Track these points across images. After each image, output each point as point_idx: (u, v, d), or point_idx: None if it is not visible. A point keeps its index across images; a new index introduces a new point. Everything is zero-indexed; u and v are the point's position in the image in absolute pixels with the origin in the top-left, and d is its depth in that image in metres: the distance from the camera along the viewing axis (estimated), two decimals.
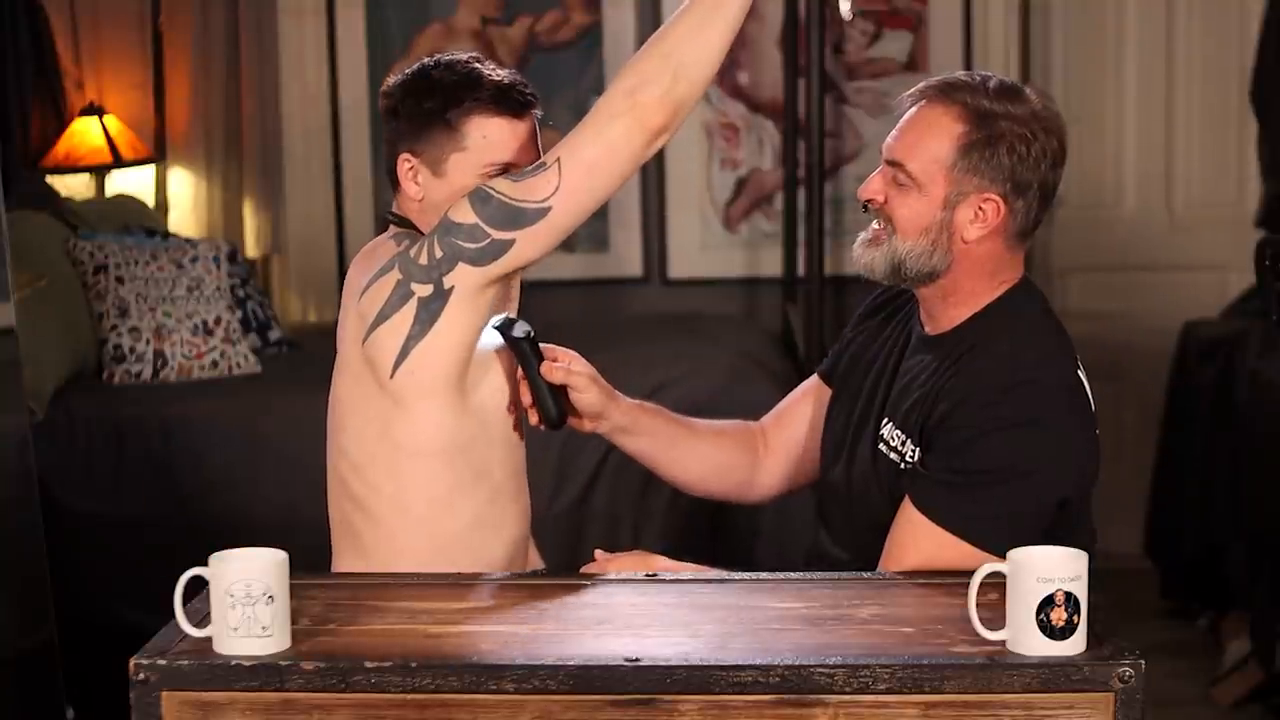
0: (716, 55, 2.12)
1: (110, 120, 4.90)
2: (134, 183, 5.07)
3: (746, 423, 2.58)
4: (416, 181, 2.24)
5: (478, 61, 2.24)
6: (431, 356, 2.16)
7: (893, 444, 2.26)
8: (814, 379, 2.57)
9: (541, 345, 2.30)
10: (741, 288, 5.28)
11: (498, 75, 2.23)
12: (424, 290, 2.14)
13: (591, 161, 2.11)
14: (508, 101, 2.21)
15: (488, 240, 2.12)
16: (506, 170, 2.20)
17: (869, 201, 2.26)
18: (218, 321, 4.33)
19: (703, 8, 2.10)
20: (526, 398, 2.29)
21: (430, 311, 2.14)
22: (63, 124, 4.89)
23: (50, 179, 4.82)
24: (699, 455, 2.51)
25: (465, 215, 2.13)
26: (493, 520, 2.27)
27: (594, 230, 5.23)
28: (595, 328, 4.96)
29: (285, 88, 5.15)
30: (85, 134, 4.86)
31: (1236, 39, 5.10)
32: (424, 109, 2.21)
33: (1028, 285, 2.30)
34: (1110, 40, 5.20)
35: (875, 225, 2.27)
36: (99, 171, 4.94)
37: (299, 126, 5.17)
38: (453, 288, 2.14)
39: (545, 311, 5.34)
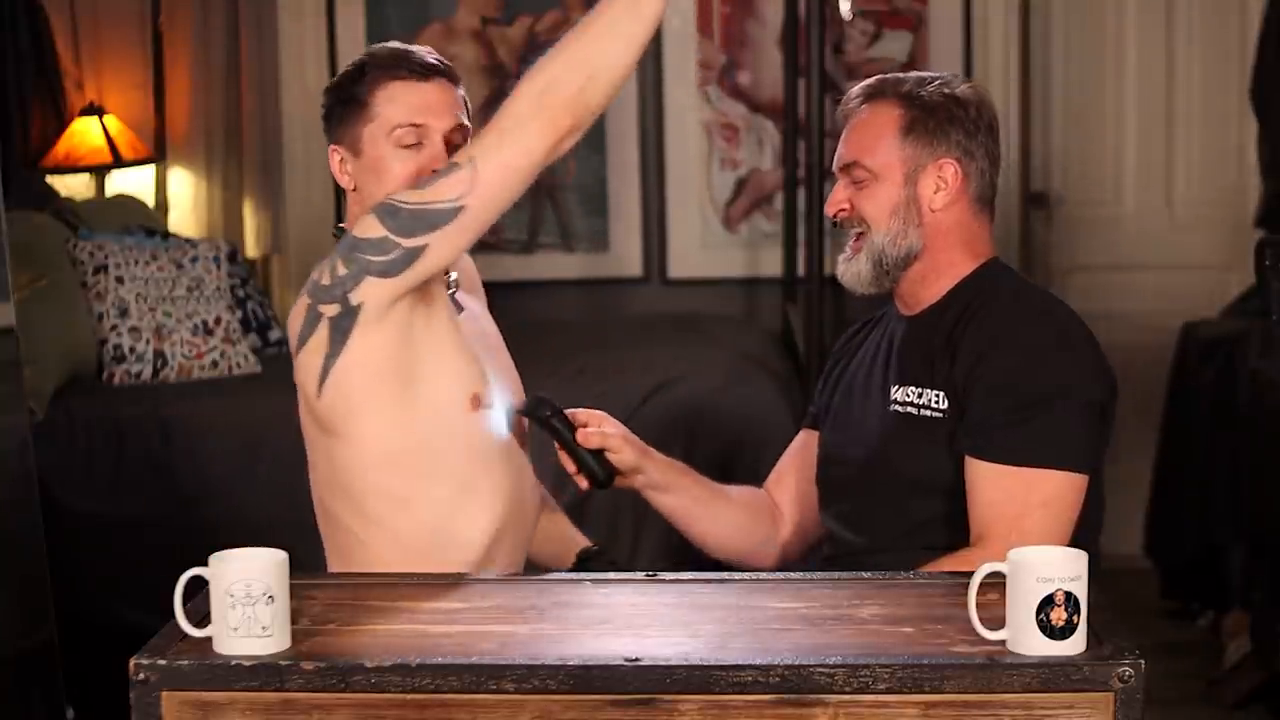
0: (632, 57, 2.10)
1: (110, 120, 4.90)
2: (134, 183, 5.07)
3: (754, 489, 2.60)
4: (346, 172, 2.26)
5: (374, 50, 2.29)
6: (352, 374, 2.14)
7: (909, 400, 2.32)
8: (802, 433, 2.60)
9: (568, 411, 2.33)
10: (741, 288, 5.29)
11: (394, 49, 2.26)
12: (331, 310, 2.12)
13: (505, 162, 2.08)
14: (406, 64, 2.23)
15: (399, 250, 2.09)
16: (419, 129, 2.20)
17: (838, 213, 2.37)
18: (218, 321, 4.33)
19: (617, 9, 2.08)
20: (570, 466, 2.33)
21: (341, 330, 2.12)
22: (63, 124, 4.89)
23: (50, 179, 4.82)
24: (726, 514, 2.52)
25: (373, 230, 2.10)
26: (464, 511, 2.23)
27: (594, 230, 5.23)
28: (595, 328, 4.96)
29: (285, 87, 5.15)
30: (85, 134, 4.86)
31: (1236, 39, 5.10)
32: (340, 98, 2.26)
33: (1000, 262, 2.42)
34: (1110, 40, 5.20)
35: (852, 240, 2.37)
36: (99, 171, 4.94)
37: (299, 126, 5.17)
38: (361, 304, 2.11)
39: (545, 311, 5.35)
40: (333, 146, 2.27)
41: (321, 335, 2.14)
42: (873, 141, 2.32)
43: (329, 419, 2.18)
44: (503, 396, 2.32)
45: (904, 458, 2.32)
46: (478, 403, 2.24)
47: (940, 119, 2.31)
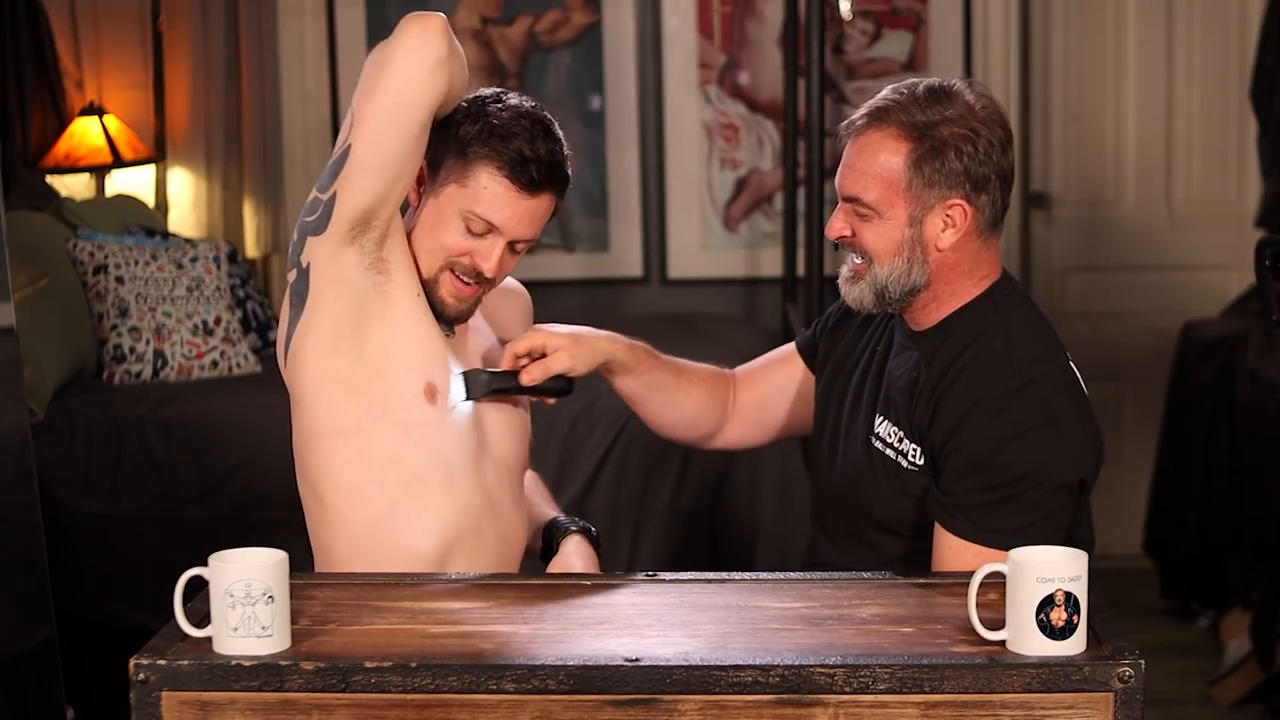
0: None
1: (110, 120, 4.90)
2: (134, 183, 5.07)
3: (722, 372, 2.61)
4: (418, 191, 2.24)
5: (525, 118, 2.20)
6: (308, 337, 2.18)
7: (889, 440, 2.28)
8: (790, 348, 2.60)
9: (507, 349, 2.32)
10: (741, 288, 5.28)
11: (529, 147, 2.18)
12: (291, 275, 2.19)
13: (372, 85, 2.10)
14: (524, 173, 2.19)
15: (320, 204, 2.14)
16: (491, 229, 2.20)
17: (840, 239, 2.29)
18: (218, 321, 4.34)
19: None
20: (534, 399, 2.36)
21: (298, 294, 2.18)
22: (63, 124, 4.89)
23: (50, 179, 4.82)
24: (680, 403, 2.52)
25: (310, 195, 2.17)
26: (413, 511, 2.22)
27: (594, 230, 5.23)
28: (595, 327, 4.96)
29: (285, 87, 5.15)
30: (85, 134, 4.86)
31: (1236, 39, 5.11)
32: (456, 134, 2.19)
33: (1008, 280, 2.33)
34: (1110, 40, 5.20)
35: (854, 259, 2.30)
36: (99, 171, 4.94)
37: (299, 126, 5.17)
38: (309, 264, 2.16)
39: (545, 312, 5.33)
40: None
41: (286, 301, 2.20)
42: (875, 178, 2.22)
43: (291, 384, 2.23)
44: (467, 410, 2.29)
45: (875, 499, 2.30)
46: (433, 394, 2.22)
47: (948, 155, 2.19)
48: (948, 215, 2.22)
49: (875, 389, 2.35)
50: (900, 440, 2.26)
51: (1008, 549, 2.10)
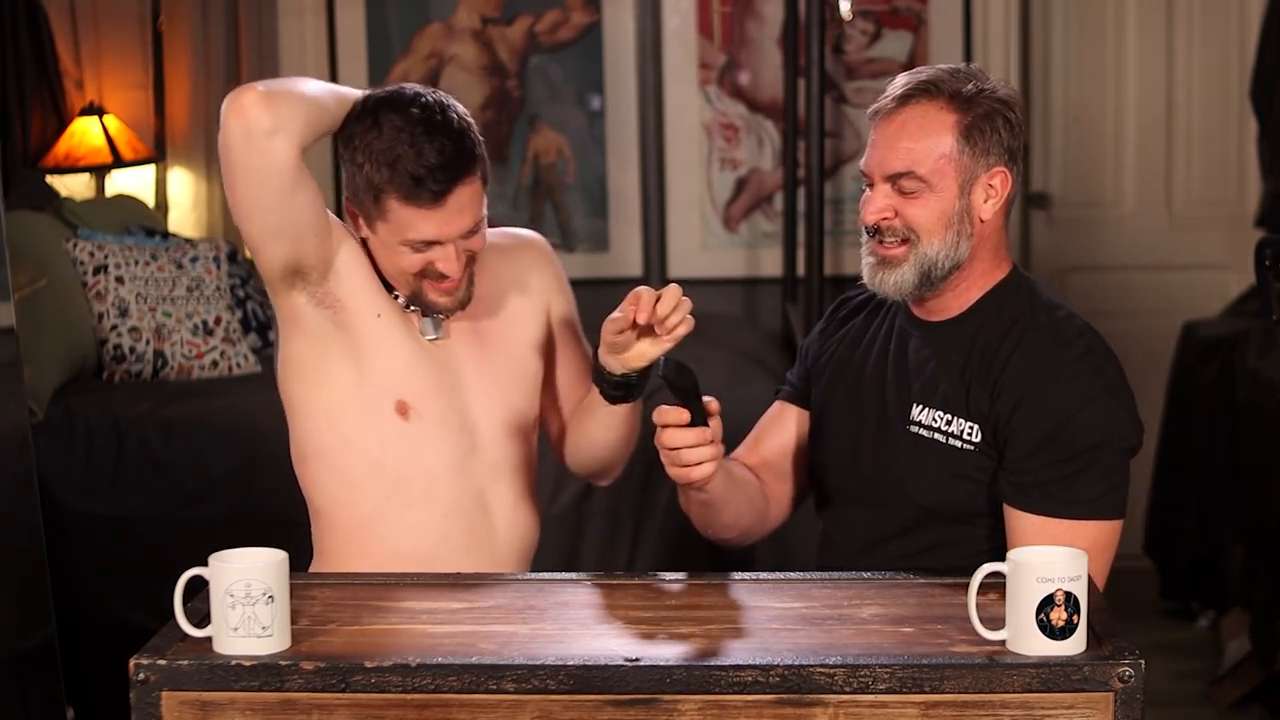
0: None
1: (110, 120, 4.90)
2: (134, 183, 5.07)
3: (742, 466, 2.48)
4: (359, 228, 2.27)
5: (405, 128, 2.15)
6: (283, 369, 2.31)
7: (934, 425, 2.23)
8: (775, 407, 2.50)
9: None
10: (741, 288, 5.28)
11: (416, 163, 2.14)
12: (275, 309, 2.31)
13: (227, 174, 2.18)
14: (419, 192, 2.15)
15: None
16: (430, 245, 2.20)
17: (879, 223, 2.22)
18: (218, 321, 4.34)
19: None
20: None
21: (277, 329, 2.31)
22: (63, 124, 4.89)
23: (50, 179, 4.82)
24: (747, 499, 2.41)
25: None
26: (393, 516, 2.28)
27: (594, 230, 5.23)
28: (595, 328, 4.96)
29: None
30: (85, 134, 4.86)
31: (1236, 39, 5.11)
32: (357, 167, 2.19)
33: (1020, 271, 2.36)
34: (1110, 40, 5.21)
35: (885, 244, 2.23)
36: (99, 171, 4.94)
37: None
38: (277, 306, 2.27)
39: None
40: (347, 199, 2.25)
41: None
42: (927, 149, 2.18)
43: (284, 405, 2.34)
44: (452, 417, 2.31)
45: (923, 485, 2.23)
46: (404, 411, 2.27)
47: (996, 123, 2.20)
48: (990, 185, 2.22)
49: (899, 383, 2.29)
50: (948, 422, 2.22)
51: (1093, 519, 2.15)
